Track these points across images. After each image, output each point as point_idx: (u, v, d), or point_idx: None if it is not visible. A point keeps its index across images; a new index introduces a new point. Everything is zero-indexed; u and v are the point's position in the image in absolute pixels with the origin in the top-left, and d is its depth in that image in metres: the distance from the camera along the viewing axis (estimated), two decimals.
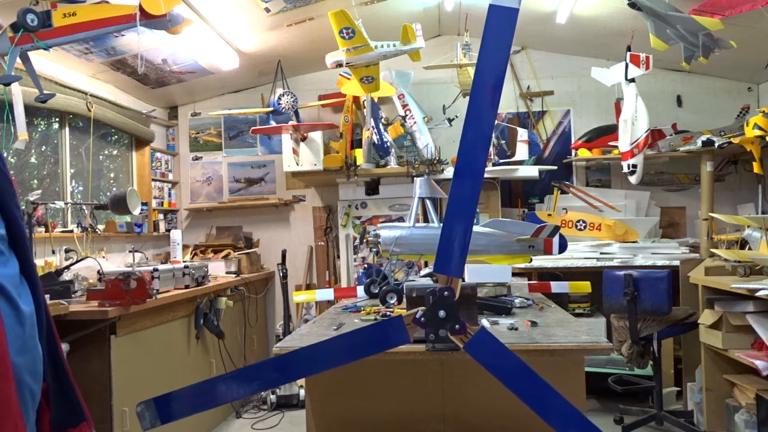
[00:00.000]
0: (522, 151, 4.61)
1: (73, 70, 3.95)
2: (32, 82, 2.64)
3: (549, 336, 1.86)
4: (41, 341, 1.21)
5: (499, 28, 1.42)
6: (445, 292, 1.49)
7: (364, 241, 2.60)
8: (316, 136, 4.62)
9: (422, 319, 1.49)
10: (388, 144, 4.58)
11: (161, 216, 5.05)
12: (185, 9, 3.33)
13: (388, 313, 2.21)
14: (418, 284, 1.88)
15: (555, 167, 4.77)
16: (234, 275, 4.54)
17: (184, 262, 3.90)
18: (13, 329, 1.10)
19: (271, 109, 4.63)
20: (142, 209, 4.32)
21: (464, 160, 1.44)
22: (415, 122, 4.60)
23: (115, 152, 4.79)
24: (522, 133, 4.65)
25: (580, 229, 4.51)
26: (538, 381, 1.40)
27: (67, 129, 4.05)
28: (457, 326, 1.48)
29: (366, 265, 4.52)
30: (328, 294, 3.03)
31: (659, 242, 4.43)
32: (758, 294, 2.73)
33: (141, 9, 2.62)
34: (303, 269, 5.18)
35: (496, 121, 4.79)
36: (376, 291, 2.55)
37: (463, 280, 1.54)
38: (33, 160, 3.93)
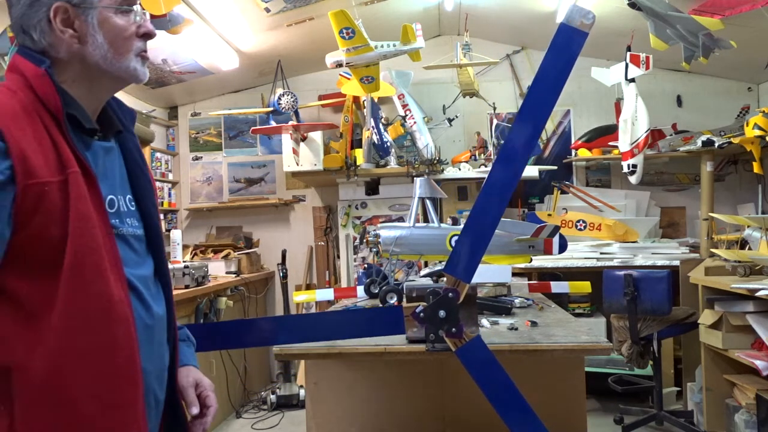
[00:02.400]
0: None
1: None
2: None
3: (549, 336, 1.86)
4: (169, 344, 1.18)
5: (564, 47, 1.41)
6: (450, 294, 1.49)
7: (364, 241, 2.60)
8: (316, 136, 4.62)
9: (421, 314, 1.49)
10: (388, 144, 4.58)
11: (161, 216, 5.05)
12: (185, 9, 3.33)
13: None
14: (418, 284, 1.88)
15: (555, 167, 4.76)
16: (234, 275, 4.54)
17: (184, 262, 3.91)
18: (144, 332, 1.07)
19: (271, 109, 4.63)
20: None
21: (498, 176, 1.44)
22: (415, 122, 4.59)
23: None
24: None
25: (580, 229, 4.51)
26: (520, 401, 1.41)
27: None
28: (453, 329, 1.48)
29: (366, 265, 4.51)
30: (328, 294, 3.03)
31: (659, 242, 4.43)
32: (758, 294, 2.73)
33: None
34: (303, 269, 5.18)
35: (496, 121, 4.79)
36: (376, 291, 2.55)
37: (475, 291, 1.54)
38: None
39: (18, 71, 1.04)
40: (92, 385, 0.98)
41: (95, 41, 1.07)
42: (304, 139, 4.56)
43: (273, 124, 4.69)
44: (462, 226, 2.83)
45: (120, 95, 1.22)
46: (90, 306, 0.98)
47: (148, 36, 1.12)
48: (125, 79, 1.12)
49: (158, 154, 5.12)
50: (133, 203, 1.16)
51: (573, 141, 4.89)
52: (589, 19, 1.37)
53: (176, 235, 4.00)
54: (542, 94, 1.42)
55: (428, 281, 2.55)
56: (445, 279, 2.50)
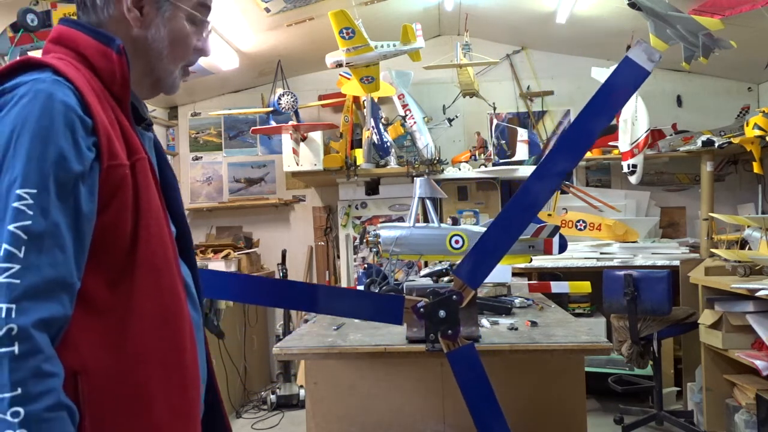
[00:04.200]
0: (522, 151, 4.61)
1: None
2: None
3: (549, 336, 1.86)
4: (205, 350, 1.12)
5: (623, 81, 1.40)
6: (454, 296, 1.49)
7: (364, 241, 2.60)
8: (316, 136, 4.62)
9: (422, 310, 1.49)
10: (388, 144, 4.58)
11: None
12: None
13: None
14: (418, 284, 1.88)
15: None
16: None
17: None
18: (197, 334, 1.02)
19: (271, 109, 4.63)
20: None
21: (529, 192, 1.43)
22: (415, 122, 4.60)
23: None
24: (522, 133, 4.64)
25: (580, 229, 4.51)
26: (498, 417, 1.41)
27: None
28: (450, 331, 1.48)
29: (366, 265, 4.52)
30: None
31: (659, 242, 4.43)
32: (758, 294, 2.73)
33: None
34: (303, 269, 5.18)
35: (496, 121, 4.80)
36: (376, 291, 2.55)
37: (475, 293, 1.55)
38: None
39: (71, 44, 0.95)
40: (164, 384, 0.92)
41: (158, 33, 1.01)
42: (304, 139, 4.56)
43: (273, 124, 4.69)
44: (462, 226, 2.83)
45: None
46: (165, 302, 0.93)
47: (202, 53, 1.09)
48: (163, 82, 1.06)
49: None
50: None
51: None
52: (655, 59, 1.36)
53: None
54: (590, 122, 1.41)
55: (428, 281, 2.55)
56: (445, 279, 2.51)
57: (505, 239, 1.49)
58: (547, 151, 1.35)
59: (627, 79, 1.39)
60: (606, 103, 1.41)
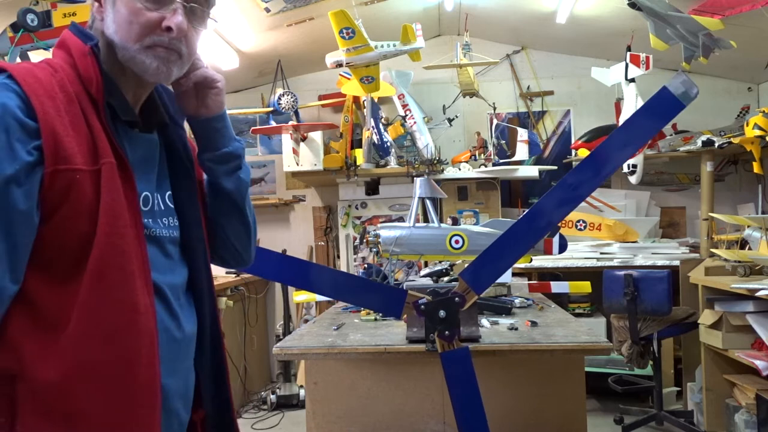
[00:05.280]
0: (522, 151, 4.61)
1: None
2: None
3: (549, 336, 1.86)
4: (204, 364, 1.06)
5: (658, 111, 1.39)
6: (456, 298, 1.49)
7: (364, 241, 2.60)
8: (316, 136, 4.62)
9: (422, 307, 1.49)
10: (388, 144, 4.58)
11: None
12: None
13: None
14: (418, 284, 1.88)
15: (555, 167, 4.76)
16: (234, 275, 4.53)
17: None
18: (169, 346, 0.96)
19: (271, 109, 4.63)
20: None
21: (546, 207, 1.43)
22: (415, 122, 4.60)
23: None
24: (522, 133, 4.64)
25: (580, 229, 4.51)
26: (481, 422, 1.42)
27: None
28: (447, 332, 1.48)
29: (366, 265, 4.51)
30: None
31: (659, 242, 4.43)
32: (758, 294, 2.73)
33: None
34: None
35: (496, 121, 4.80)
36: None
37: (477, 297, 1.55)
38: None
39: (66, 47, 0.95)
40: (105, 401, 0.87)
41: (110, 17, 0.96)
42: (304, 139, 4.56)
43: (273, 124, 4.69)
44: (462, 226, 2.83)
45: None
46: (113, 315, 0.88)
47: (171, 31, 0.95)
48: (132, 68, 0.96)
49: None
50: (171, 202, 1.05)
51: (573, 141, 4.88)
52: (693, 94, 1.35)
53: None
54: (619, 146, 1.40)
55: (428, 281, 2.55)
56: (445, 279, 2.51)
57: (517, 250, 1.50)
58: (571, 168, 1.32)
59: (663, 110, 1.37)
60: (640, 128, 1.39)
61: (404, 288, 1.82)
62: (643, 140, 1.47)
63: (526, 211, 1.47)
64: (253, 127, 4.81)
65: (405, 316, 1.72)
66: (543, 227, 1.45)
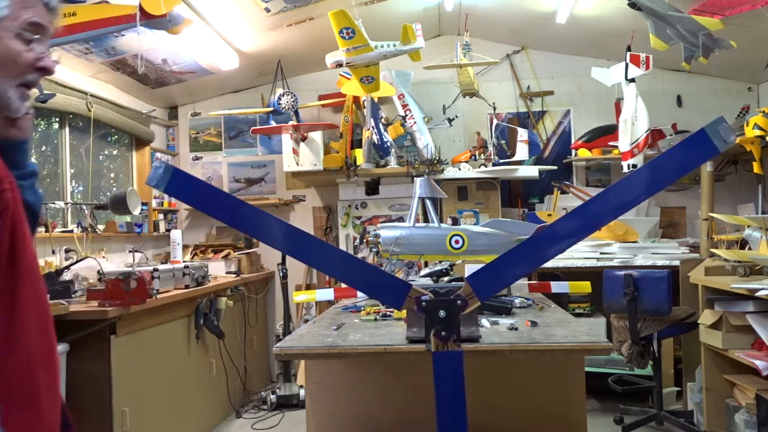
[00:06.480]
0: (522, 151, 4.61)
1: (73, 70, 3.95)
2: None
3: (549, 336, 1.86)
4: None
5: (692, 151, 1.38)
6: (459, 301, 1.49)
7: (364, 241, 2.60)
8: (316, 136, 4.62)
9: (423, 303, 1.48)
10: (388, 144, 4.58)
11: (161, 216, 5.04)
12: (185, 9, 3.33)
13: (388, 313, 2.21)
14: (418, 284, 1.88)
15: (555, 167, 4.77)
16: (234, 275, 4.54)
17: (184, 262, 3.90)
18: None
19: (271, 109, 4.63)
20: (142, 209, 4.32)
21: (563, 229, 1.42)
22: (415, 122, 4.60)
23: (115, 152, 4.79)
24: (522, 133, 4.65)
25: None
26: (462, 426, 1.42)
27: (67, 129, 4.04)
28: (443, 333, 1.47)
29: None
30: (328, 294, 3.02)
31: (659, 242, 4.43)
32: (758, 294, 2.73)
33: (141, 9, 2.62)
34: (303, 269, 5.17)
35: (496, 121, 4.80)
36: None
37: (481, 303, 1.55)
38: (33, 160, 3.92)
39: None
40: (50, 396, 0.93)
41: None
42: (304, 139, 4.56)
43: (273, 124, 4.69)
44: (462, 226, 2.83)
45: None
46: (42, 309, 0.96)
47: (44, 71, 1.03)
48: None
49: (158, 154, 5.12)
50: None
51: (573, 141, 4.89)
52: (730, 141, 1.35)
53: (176, 235, 4.00)
54: (645, 181, 1.39)
55: (428, 281, 2.55)
56: (445, 279, 2.50)
57: (529, 264, 1.50)
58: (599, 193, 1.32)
59: (697, 150, 1.37)
60: (671, 165, 1.39)
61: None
62: (672, 178, 1.46)
63: (547, 226, 1.47)
64: (253, 127, 4.82)
65: (405, 316, 1.72)
66: (559, 249, 1.45)
